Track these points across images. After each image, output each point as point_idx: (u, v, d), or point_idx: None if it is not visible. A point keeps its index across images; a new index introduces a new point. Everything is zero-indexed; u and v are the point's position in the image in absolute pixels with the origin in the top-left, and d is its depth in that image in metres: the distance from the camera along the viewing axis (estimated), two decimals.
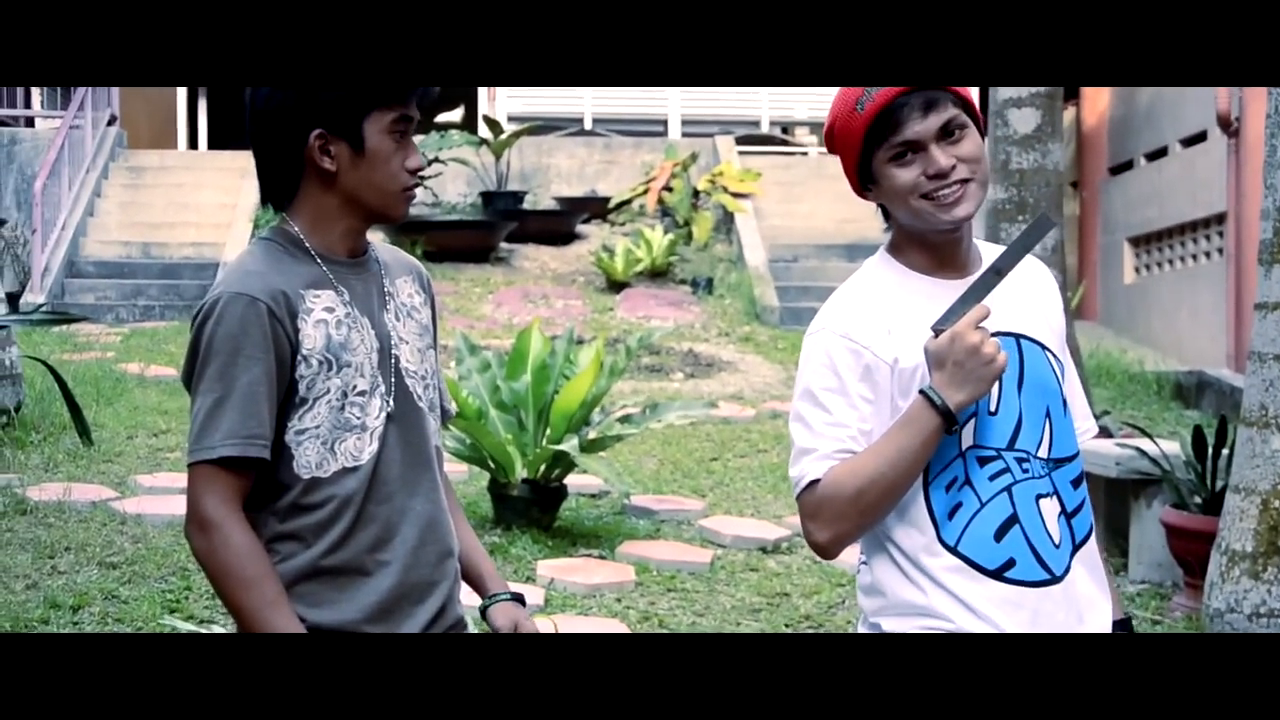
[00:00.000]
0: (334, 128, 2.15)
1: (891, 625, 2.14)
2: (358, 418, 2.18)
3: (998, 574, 2.10)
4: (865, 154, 2.13)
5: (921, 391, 2.05)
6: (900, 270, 2.19)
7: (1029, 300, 2.21)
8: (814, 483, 2.09)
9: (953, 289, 2.14)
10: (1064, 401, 2.19)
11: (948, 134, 2.09)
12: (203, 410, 2.13)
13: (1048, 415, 2.16)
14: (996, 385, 2.11)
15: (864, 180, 2.17)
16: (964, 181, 2.09)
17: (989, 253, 2.23)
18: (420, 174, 2.23)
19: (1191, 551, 5.54)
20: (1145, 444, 6.09)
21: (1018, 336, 2.16)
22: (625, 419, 6.70)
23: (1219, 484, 5.63)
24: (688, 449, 8.19)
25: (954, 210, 2.10)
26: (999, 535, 2.11)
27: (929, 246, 2.17)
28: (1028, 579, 2.11)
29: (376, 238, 2.39)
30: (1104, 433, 7.09)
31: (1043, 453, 2.15)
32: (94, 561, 5.53)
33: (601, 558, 6.04)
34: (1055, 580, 2.13)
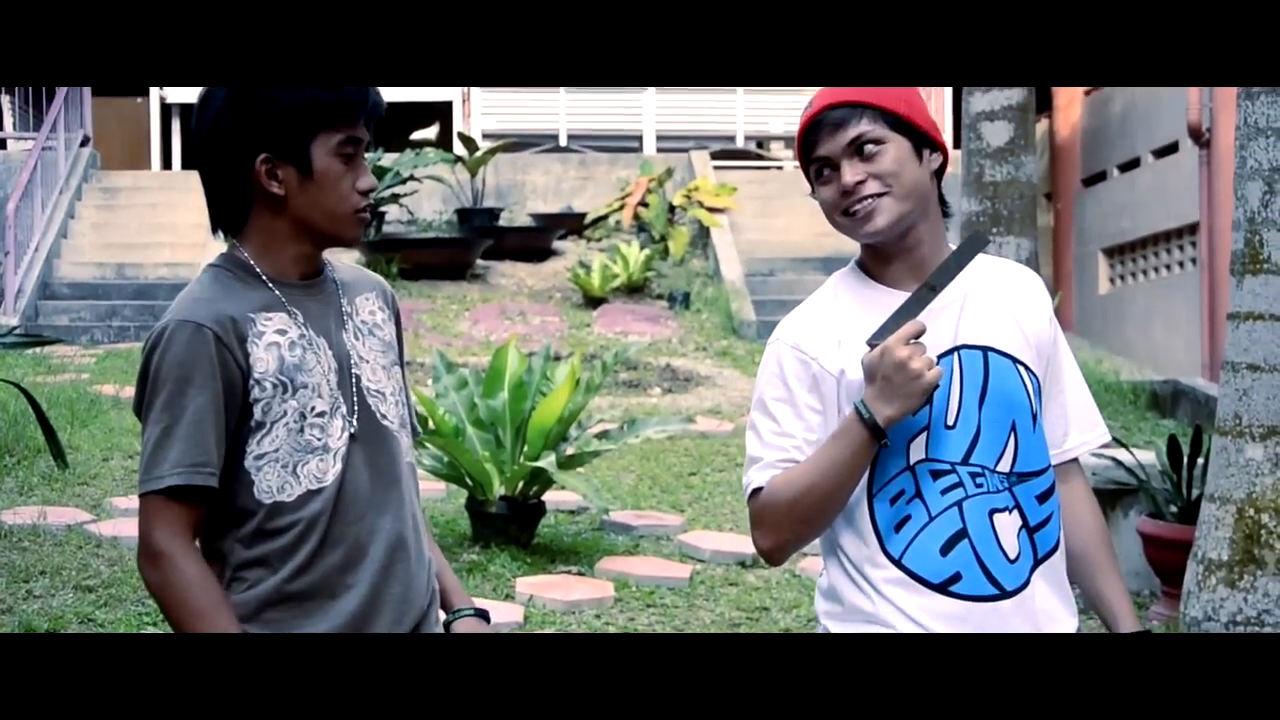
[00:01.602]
0: (280, 151, 2.12)
1: (840, 629, 2.16)
2: (318, 439, 2.15)
3: (942, 588, 2.11)
4: (805, 171, 2.17)
5: (855, 405, 2.07)
6: (863, 281, 2.20)
7: (1004, 312, 2.20)
8: (758, 490, 2.13)
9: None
10: (1034, 415, 2.17)
11: (859, 150, 2.10)
12: (151, 440, 2.11)
13: (1013, 429, 2.15)
14: (956, 398, 2.12)
15: (814, 194, 2.20)
16: (876, 196, 2.10)
17: (971, 262, 2.22)
18: (371, 194, 2.20)
19: (1168, 560, 5.56)
20: (1121, 454, 6.11)
21: (985, 349, 2.16)
22: (603, 435, 6.69)
23: (1195, 493, 5.66)
24: (666, 464, 8.19)
25: (866, 225, 2.12)
26: (946, 549, 2.11)
27: (884, 258, 2.18)
28: (973, 594, 2.11)
29: (348, 257, 2.38)
30: None
31: (1004, 467, 2.14)
32: (70, 585, 5.49)
33: (580, 574, 6.03)
34: (1005, 595, 2.12)
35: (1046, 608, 2.16)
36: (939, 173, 2.18)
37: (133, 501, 6.65)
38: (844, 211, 2.12)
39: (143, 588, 5.43)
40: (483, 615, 2.36)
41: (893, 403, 2.03)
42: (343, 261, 2.37)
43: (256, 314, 2.15)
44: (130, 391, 9.56)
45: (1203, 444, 5.73)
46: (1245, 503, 4.57)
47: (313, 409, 2.15)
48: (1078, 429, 2.28)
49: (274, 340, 2.15)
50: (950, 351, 2.14)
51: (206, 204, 2.22)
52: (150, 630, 4.99)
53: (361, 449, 2.19)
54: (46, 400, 7.55)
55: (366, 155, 2.20)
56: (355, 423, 2.19)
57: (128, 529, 6.14)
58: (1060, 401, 2.26)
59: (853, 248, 2.25)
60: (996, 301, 2.20)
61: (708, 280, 14.19)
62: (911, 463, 2.12)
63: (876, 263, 2.19)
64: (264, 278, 2.18)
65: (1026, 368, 2.18)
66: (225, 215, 2.20)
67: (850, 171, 2.10)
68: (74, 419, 8.38)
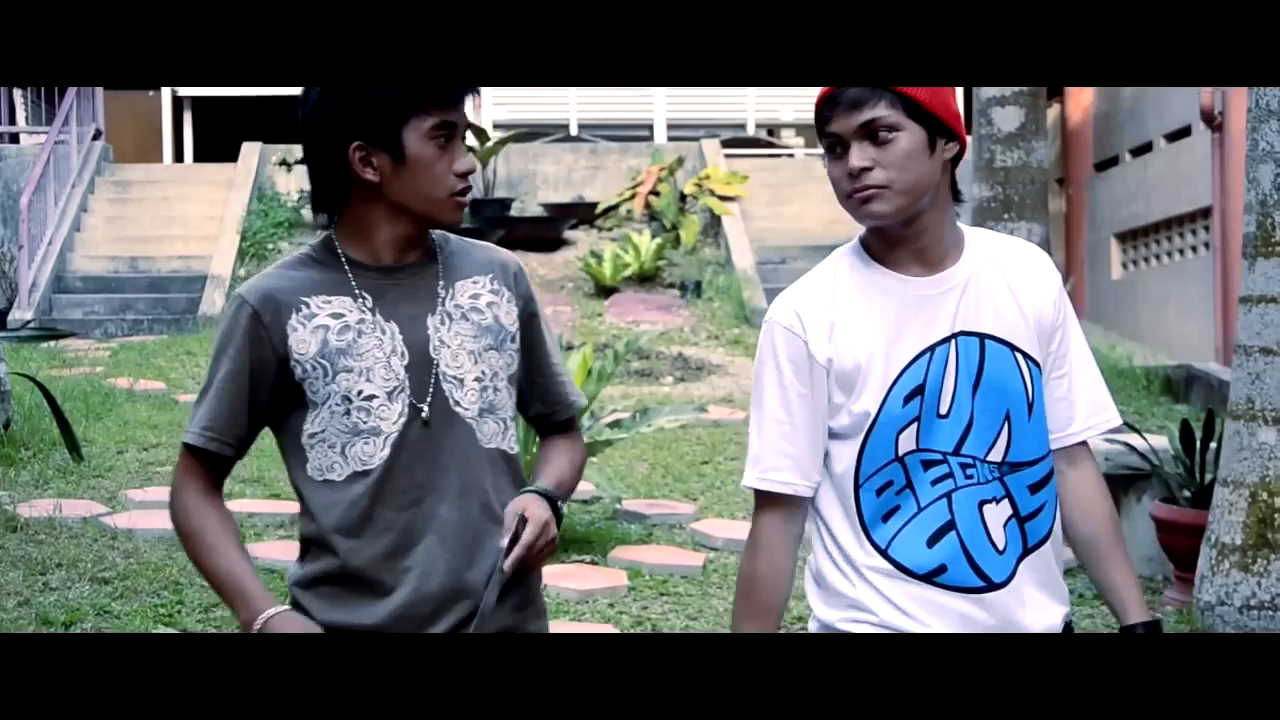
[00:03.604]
0: (373, 139, 2.16)
1: (821, 612, 2.18)
2: (366, 422, 2.18)
3: (927, 579, 2.10)
4: (821, 141, 2.14)
5: None
6: (865, 262, 2.17)
7: (1007, 297, 2.16)
8: (762, 494, 2.21)
9: (915, 286, 2.12)
10: (1030, 405, 2.14)
11: (873, 134, 2.06)
12: (197, 398, 2.27)
13: (1007, 418, 2.12)
14: (950, 387, 2.10)
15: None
16: (880, 185, 2.06)
17: (979, 245, 2.18)
18: (469, 176, 2.21)
19: (1181, 545, 5.56)
20: (1134, 439, 6.10)
21: (982, 336, 2.13)
22: (615, 424, 6.70)
23: (1208, 477, 5.65)
24: (678, 453, 8.19)
25: (865, 209, 2.08)
26: (932, 541, 2.10)
27: (887, 241, 2.15)
28: (959, 585, 2.10)
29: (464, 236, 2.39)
30: None
31: (995, 456, 2.12)
32: (86, 577, 5.52)
33: (594, 563, 6.04)
34: (992, 587, 2.11)
35: (1034, 598, 2.14)
36: (955, 159, 2.14)
37: (147, 494, 6.68)
38: (848, 194, 2.10)
39: (159, 580, 5.46)
40: (546, 496, 2.24)
41: None
42: (472, 241, 2.37)
43: (313, 296, 2.20)
44: (145, 384, 9.63)
45: (1215, 428, 5.72)
46: (1258, 487, 4.57)
47: (359, 392, 2.18)
48: (1086, 411, 2.23)
49: (324, 323, 2.19)
50: (947, 339, 2.12)
51: (310, 189, 2.27)
52: (166, 623, 5.02)
53: (426, 434, 2.20)
54: (61, 393, 7.57)
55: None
56: (427, 408, 2.20)
57: (143, 521, 6.17)
58: (1068, 383, 2.21)
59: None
60: (999, 285, 2.15)
61: (719, 269, 14.18)
62: (901, 454, 2.11)
63: (880, 244, 2.16)
64: (344, 261, 2.22)
65: (1025, 355, 2.15)
66: (325, 200, 2.25)
67: (858, 155, 2.06)
68: (88, 412, 8.41)
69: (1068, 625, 2.22)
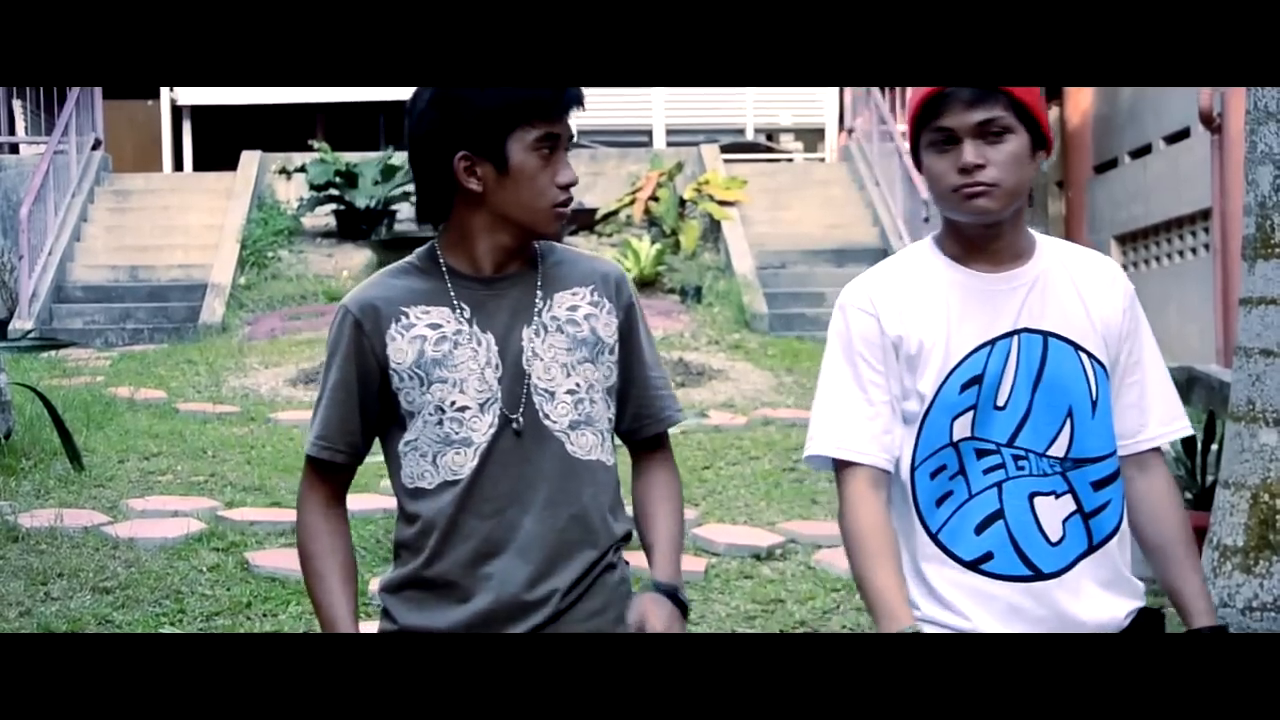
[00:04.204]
0: (478, 149, 2.17)
1: None
2: (457, 433, 2.20)
3: (973, 565, 2.14)
4: (916, 134, 2.17)
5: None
6: (936, 255, 2.22)
7: (1072, 298, 2.20)
8: (843, 465, 2.19)
9: (983, 281, 2.17)
10: (1094, 403, 2.17)
11: (987, 132, 2.10)
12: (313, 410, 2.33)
13: (1069, 415, 2.16)
14: (1010, 381, 2.14)
15: (915, 159, 2.20)
16: (991, 184, 2.10)
17: (1050, 249, 2.21)
18: (572, 188, 2.21)
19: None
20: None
21: (1045, 334, 2.17)
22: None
23: (1209, 479, 5.65)
24: (680, 458, 8.09)
25: (971, 204, 2.12)
26: (980, 528, 2.14)
27: (963, 237, 2.19)
28: (1004, 573, 2.14)
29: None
30: None
31: (1057, 451, 2.15)
32: (87, 587, 5.51)
33: None
34: (1040, 577, 2.14)
35: (1091, 594, 2.17)
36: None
37: (148, 504, 6.68)
38: (954, 187, 2.12)
39: (160, 589, 5.46)
40: (671, 595, 2.27)
41: None
42: (577, 251, 2.38)
43: (412, 306, 2.23)
44: (146, 393, 9.63)
45: (1216, 430, 5.72)
46: (1260, 488, 4.56)
47: (452, 403, 2.20)
48: (1156, 420, 2.27)
49: (421, 334, 2.22)
50: (1010, 334, 2.16)
51: (415, 198, 2.29)
52: (168, 629, 5.01)
53: (515, 445, 2.21)
54: (62, 403, 7.57)
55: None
56: (521, 420, 2.21)
57: (144, 530, 6.17)
58: (1139, 390, 2.25)
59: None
60: (1067, 288, 2.20)
61: (719, 274, 14.18)
62: (955, 439, 2.15)
63: (956, 242, 2.20)
64: (445, 270, 2.24)
65: (1090, 355, 2.18)
66: (429, 208, 2.27)
67: (973, 152, 2.10)
68: (89, 421, 8.41)
69: (1144, 612, 2.24)
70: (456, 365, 2.21)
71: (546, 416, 2.23)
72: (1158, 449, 2.30)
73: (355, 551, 2.35)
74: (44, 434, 7.55)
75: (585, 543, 2.25)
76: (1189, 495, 5.81)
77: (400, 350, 2.21)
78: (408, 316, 2.22)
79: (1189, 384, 9.99)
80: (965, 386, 2.15)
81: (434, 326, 2.22)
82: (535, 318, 2.25)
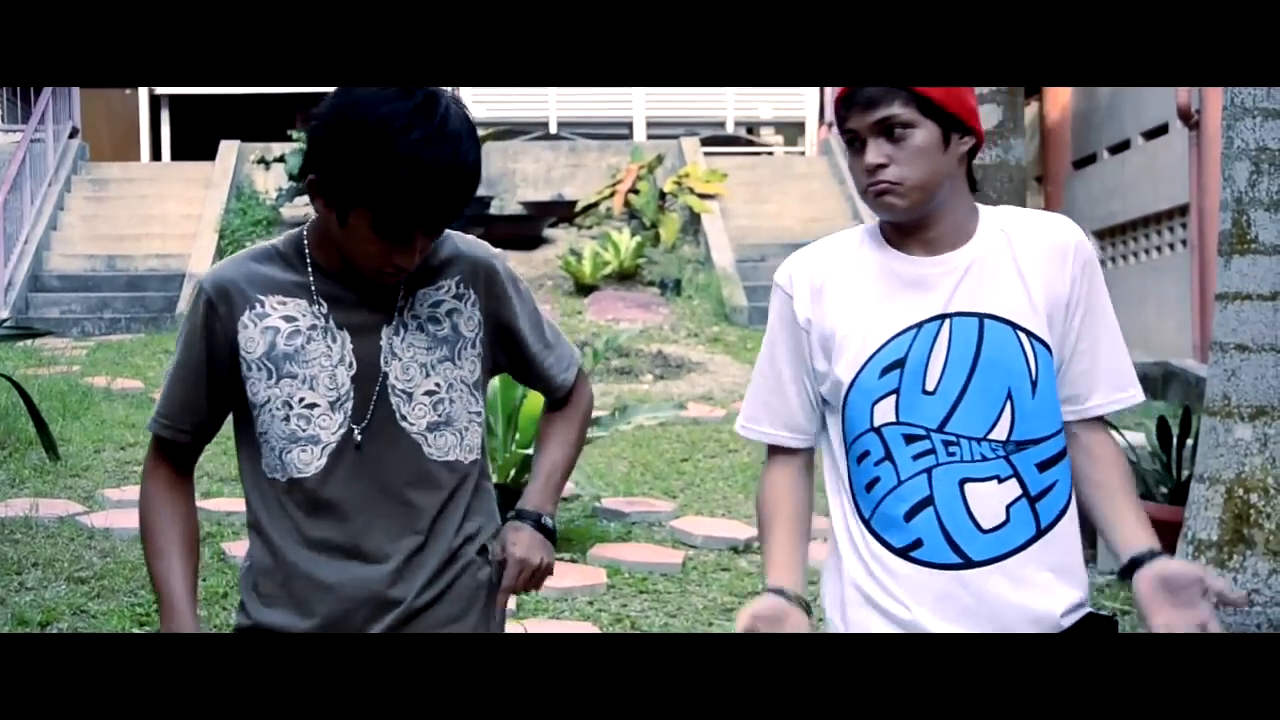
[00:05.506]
0: (328, 192, 2.06)
1: (828, 576, 2.24)
2: (304, 430, 2.14)
3: (903, 553, 2.14)
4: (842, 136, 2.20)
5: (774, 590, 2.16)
6: (873, 239, 2.22)
7: (1014, 279, 2.16)
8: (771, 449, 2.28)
9: (915, 265, 2.16)
10: (1034, 383, 2.13)
11: (887, 132, 2.10)
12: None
13: (1009, 397, 2.13)
14: (939, 365, 2.12)
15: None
16: (895, 181, 2.10)
17: (995, 226, 2.18)
18: (402, 273, 2.09)
19: (1158, 541, 5.57)
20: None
21: (981, 316, 2.14)
22: (594, 421, 6.70)
23: (1184, 474, 5.67)
24: (658, 450, 8.20)
25: (879, 202, 2.13)
26: (910, 515, 2.13)
27: (899, 227, 2.19)
28: (934, 561, 2.12)
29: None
30: None
31: (999, 435, 2.12)
32: (62, 577, 5.49)
33: (573, 561, 6.04)
34: (970, 565, 2.12)
35: (1038, 580, 2.14)
36: (972, 152, 2.18)
37: (124, 494, 6.65)
38: (864, 189, 2.15)
39: (135, 579, 5.44)
40: (537, 524, 2.26)
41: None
42: (449, 235, 2.23)
43: (269, 295, 2.16)
44: (122, 383, 9.59)
45: (1192, 425, 5.75)
46: (1234, 483, 4.59)
47: (300, 400, 2.14)
48: (1105, 387, 2.21)
49: (275, 325, 2.15)
50: (940, 317, 2.13)
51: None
52: (142, 622, 5.00)
53: (365, 446, 2.15)
54: (38, 393, 7.54)
55: None
56: (369, 418, 2.15)
57: (120, 520, 6.15)
58: (1090, 359, 2.19)
59: None
60: (1007, 266, 2.16)
61: (699, 267, 14.19)
62: (876, 424, 2.14)
63: (892, 230, 2.21)
64: (308, 263, 2.17)
65: (1030, 334, 2.14)
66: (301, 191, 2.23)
67: (875, 152, 2.11)
68: (65, 411, 8.37)
69: (1090, 614, 2.21)
70: (308, 361, 2.14)
71: (404, 418, 2.16)
72: (1103, 418, 2.25)
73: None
74: (19, 423, 7.52)
75: (438, 545, 2.19)
76: (1164, 490, 5.84)
77: (251, 339, 2.15)
78: (263, 305, 2.15)
79: (1165, 379, 10.04)
80: (886, 370, 2.13)
81: (289, 319, 2.15)
82: (395, 316, 2.17)
